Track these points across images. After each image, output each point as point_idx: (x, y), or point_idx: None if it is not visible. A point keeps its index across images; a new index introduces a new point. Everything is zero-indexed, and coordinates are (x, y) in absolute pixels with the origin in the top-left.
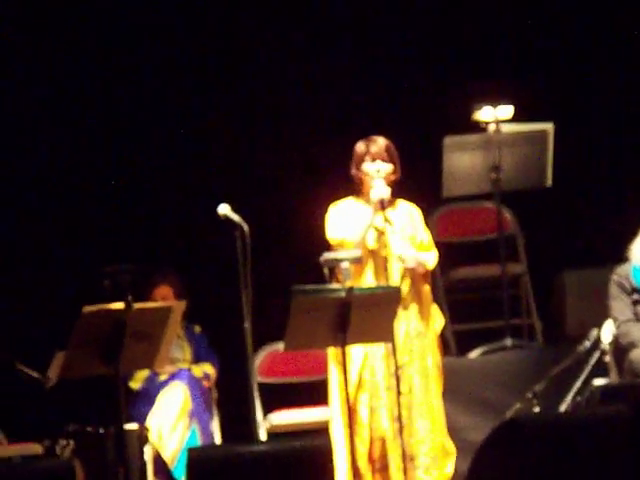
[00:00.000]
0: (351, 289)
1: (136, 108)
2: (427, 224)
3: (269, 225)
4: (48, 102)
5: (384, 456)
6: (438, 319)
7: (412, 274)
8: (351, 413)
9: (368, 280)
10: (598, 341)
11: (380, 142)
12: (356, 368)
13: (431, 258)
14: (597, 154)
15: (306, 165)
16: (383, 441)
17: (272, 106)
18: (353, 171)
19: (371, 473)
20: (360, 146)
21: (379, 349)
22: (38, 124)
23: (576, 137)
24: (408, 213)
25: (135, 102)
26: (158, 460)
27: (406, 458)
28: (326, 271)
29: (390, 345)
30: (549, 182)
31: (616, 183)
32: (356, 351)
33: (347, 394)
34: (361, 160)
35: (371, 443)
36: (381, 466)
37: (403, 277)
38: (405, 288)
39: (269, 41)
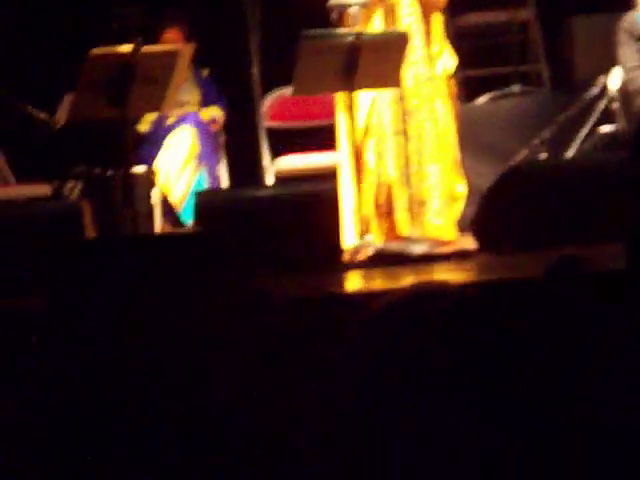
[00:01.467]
0: (359, 34)
1: None
2: None
3: None
4: None
5: (390, 201)
6: (449, 61)
7: (424, 14)
8: (358, 158)
9: (376, 25)
10: (606, 87)
11: None
12: (363, 113)
13: None
14: None
15: None
16: (389, 186)
17: None
18: None
19: (377, 218)
20: None
21: (387, 94)
22: None
23: None
24: None
25: None
26: (165, 203)
27: (416, 203)
28: (334, 16)
29: (399, 90)
30: None
31: None
32: (364, 96)
33: (354, 139)
34: None
35: (378, 188)
36: (387, 211)
37: (414, 19)
38: (414, 30)
39: None
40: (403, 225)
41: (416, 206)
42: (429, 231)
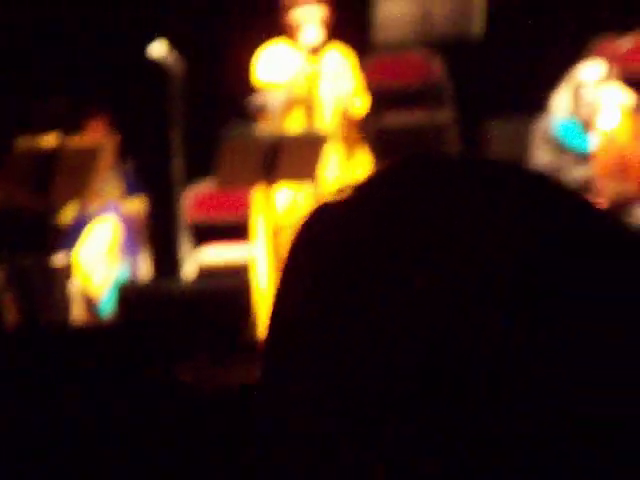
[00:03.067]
0: (278, 134)
1: None
2: (359, 70)
3: (201, 63)
4: None
5: None
6: (365, 163)
7: (340, 119)
8: (275, 252)
9: (297, 124)
10: None
11: None
12: (280, 210)
13: (361, 103)
14: (528, 2)
15: (237, 7)
16: None
17: None
18: (284, 15)
19: None
20: None
21: (305, 191)
22: None
23: None
24: (339, 58)
25: None
26: (85, 293)
27: None
28: (254, 111)
29: (316, 187)
30: (479, 31)
31: (544, 33)
32: (282, 193)
33: (270, 234)
34: (291, 4)
35: None
36: None
37: (331, 122)
38: (332, 133)
39: None
40: None
41: None
42: None
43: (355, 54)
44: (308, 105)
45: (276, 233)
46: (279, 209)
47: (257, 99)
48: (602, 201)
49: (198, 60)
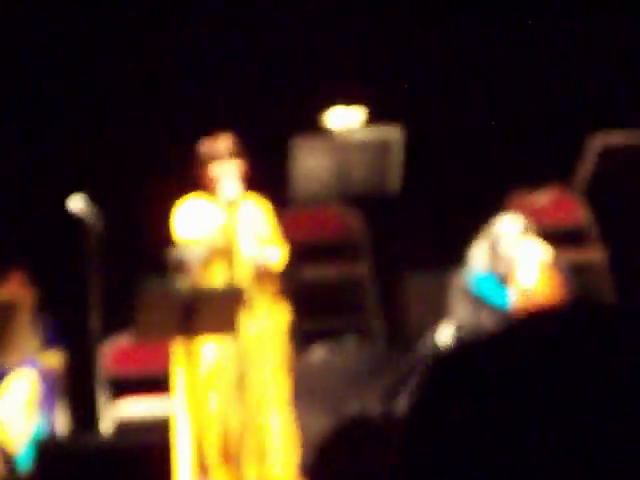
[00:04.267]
0: (195, 288)
1: None
2: (276, 222)
3: (119, 217)
4: None
5: (236, 450)
6: (285, 316)
7: (259, 272)
8: (199, 408)
9: (217, 277)
10: (436, 343)
11: (226, 139)
12: (207, 363)
13: (278, 254)
14: (444, 157)
15: (155, 160)
16: (234, 435)
17: (120, 98)
18: (200, 171)
19: (221, 467)
20: (205, 145)
21: (229, 346)
22: None
23: (423, 140)
24: (257, 208)
25: None
26: (2, 448)
27: (258, 452)
28: (173, 267)
29: (239, 341)
30: (396, 186)
31: (460, 187)
32: (207, 347)
33: (193, 388)
34: (208, 160)
35: (223, 437)
36: (232, 460)
37: (250, 275)
38: (252, 285)
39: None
40: (247, 473)
41: (258, 455)
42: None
43: (272, 206)
44: (227, 257)
45: (197, 387)
46: (202, 363)
47: (176, 253)
48: None
49: (117, 214)
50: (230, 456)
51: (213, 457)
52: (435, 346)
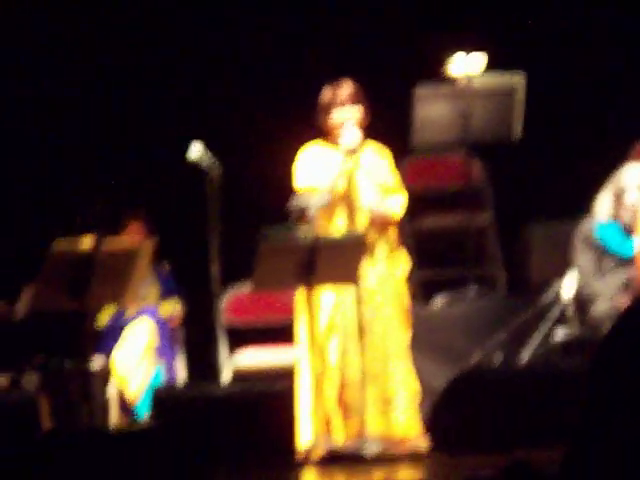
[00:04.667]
0: (317, 236)
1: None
2: (396, 170)
3: (240, 166)
4: None
5: (354, 402)
6: (404, 264)
7: (379, 221)
8: (320, 356)
9: (337, 224)
10: (560, 293)
11: (347, 86)
12: (327, 312)
13: (398, 203)
14: (567, 106)
15: (276, 108)
16: (354, 385)
17: (241, 48)
18: (322, 117)
19: (339, 417)
20: (327, 92)
21: (350, 293)
22: None
23: (546, 88)
24: (377, 156)
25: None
26: (122, 396)
27: (381, 401)
28: (294, 216)
29: (359, 290)
30: (518, 134)
31: (584, 137)
32: (327, 295)
33: (315, 337)
34: (330, 106)
35: (342, 387)
36: (351, 410)
37: (370, 223)
38: (372, 234)
39: None
40: (366, 423)
41: (382, 404)
42: (395, 429)
43: (393, 154)
44: (348, 205)
45: (318, 336)
46: (324, 311)
47: (297, 200)
48: None
49: (237, 162)
50: (350, 405)
51: (333, 406)
52: (558, 296)
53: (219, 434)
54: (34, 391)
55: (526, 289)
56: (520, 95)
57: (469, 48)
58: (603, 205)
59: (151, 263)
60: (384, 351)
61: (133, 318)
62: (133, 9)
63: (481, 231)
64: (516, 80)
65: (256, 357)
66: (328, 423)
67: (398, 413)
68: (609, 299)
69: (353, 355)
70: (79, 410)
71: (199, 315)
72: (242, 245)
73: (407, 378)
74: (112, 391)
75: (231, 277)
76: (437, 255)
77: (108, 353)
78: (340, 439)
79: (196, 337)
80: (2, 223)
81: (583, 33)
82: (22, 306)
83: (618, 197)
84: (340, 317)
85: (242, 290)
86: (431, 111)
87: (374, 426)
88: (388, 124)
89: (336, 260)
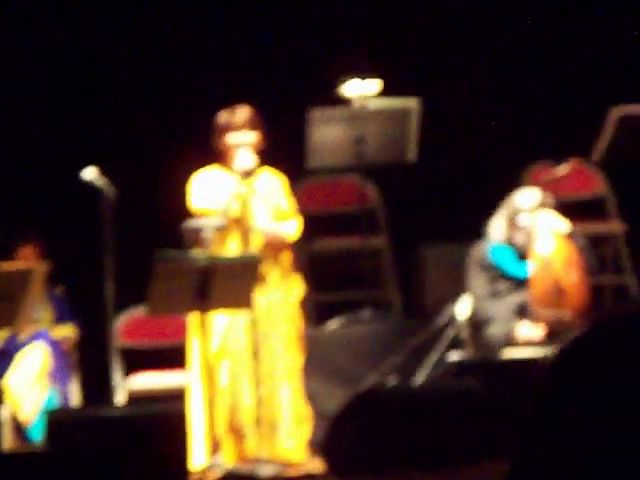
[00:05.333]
0: (212, 257)
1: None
2: (291, 194)
3: (133, 189)
4: None
5: (244, 424)
6: (298, 288)
7: (272, 244)
8: (211, 379)
9: (231, 248)
10: (455, 316)
11: (244, 111)
12: (218, 335)
13: (292, 228)
14: (460, 130)
15: (171, 132)
16: (243, 408)
17: (138, 71)
18: (217, 141)
19: (229, 440)
20: (223, 116)
21: (242, 317)
22: None
23: (441, 113)
24: (272, 181)
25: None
26: (15, 419)
27: (267, 424)
28: (188, 238)
29: (252, 313)
30: (413, 157)
31: (478, 160)
32: (219, 319)
33: (206, 360)
34: (225, 130)
35: (231, 410)
36: (240, 434)
37: (263, 246)
38: (265, 258)
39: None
40: (254, 447)
41: (267, 428)
42: (280, 453)
43: (289, 178)
44: (242, 229)
45: (209, 359)
46: (215, 334)
47: (192, 224)
48: (539, 327)
49: (131, 185)
50: (241, 428)
51: (224, 429)
52: (453, 318)
53: (113, 456)
54: None
55: (421, 311)
56: (414, 118)
57: (364, 73)
58: (497, 228)
59: (44, 286)
60: (273, 375)
61: (26, 342)
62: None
63: (376, 253)
64: (410, 103)
65: (150, 380)
66: (220, 445)
67: (284, 438)
68: (503, 322)
69: (243, 378)
70: None
71: (93, 338)
72: (138, 267)
73: (296, 402)
74: (5, 414)
75: (126, 299)
76: (332, 278)
77: (1, 375)
78: (232, 462)
79: (90, 360)
80: None
81: (479, 60)
82: None
83: (512, 220)
84: (232, 340)
85: (137, 312)
86: (326, 134)
87: (265, 449)
88: (284, 147)
89: (230, 283)
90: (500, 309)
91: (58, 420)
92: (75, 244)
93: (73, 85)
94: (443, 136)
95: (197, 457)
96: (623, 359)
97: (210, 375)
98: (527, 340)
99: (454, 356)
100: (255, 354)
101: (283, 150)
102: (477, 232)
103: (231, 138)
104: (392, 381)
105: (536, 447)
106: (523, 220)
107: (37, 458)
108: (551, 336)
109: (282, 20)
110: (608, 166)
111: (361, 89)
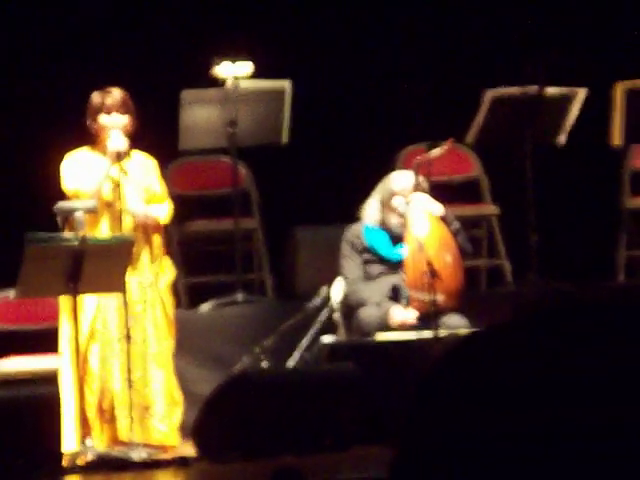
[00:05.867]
0: (84, 239)
1: None
2: (163, 176)
3: (4, 170)
4: None
5: (114, 407)
6: (169, 271)
7: (144, 227)
8: (81, 363)
9: (103, 231)
10: (328, 298)
11: (116, 94)
12: (88, 318)
13: (164, 211)
14: (333, 112)
15: (42, 113)
16: (113, 392)
17: (12, 51)
18: (89, 122)
19: (99, 424)
20: (96, 97)
21: (112, 300)
22: None
23: (315, 94)
24: (143, 164)
25: None
26: None
27: (139, 407)
28: (60, 220)
29: (123, 296)
30: (285, 139)
31: (352, 143)
32: (88, 301)
33: (77, 344)
34: (97, 112)
35: (101, 394)
36: (110, 417)
37: (135, 229)
38: (137, 240)
39: None
40: (126, 430)
41: (140, 411)
42: (152, 436)
43: (161, 159)
44: (114, 211)
45: (80, 342)
46: (86, 317)
47: (64, 206)
48: (413, 310)
49: (1, 167)
50: (111, 412)
51: (94, 413)
52: (326, 301)
53: None
54: None
55: (294, 294)
56: (287, 100)
57: (237, 55)
58: (371, 210)
59: None
60: (145, 358)
61: None
62: None
63: (248, 236)
64: (283, 85)
65: (21, 363)
66: (90, 429)
67: (156, 421)
68: (376, 305)
69: (114, 362)
70: None
71: None
72: (6, 250)
73: (167, 386)
74: None
75: None
76: (205, 260)
77: None
78: (103, 445)
79: None
80: None
81: (356, 39)
82: None
83: (386, 203)
84: (101, 324)
85: (7, 295)
86: (198, 115)
87: (137, 433)
88: (157, 129)
89: (102, 266)
90: (374, 292)
91: None
92: None
93: None
94: (316, 118)
95: (69, 441)
96: (509, 361)
97: (81, 359)
98: (401, 323)
99: (328, 339)
100: (127, 337)
101: (155, 132)
102: (351, 215)
103: (103, 120)
104: (265, 364)
105: (422, 433)
106: (397, 203)
107: None
108: (424, 319)
109: (155, 2)
110: (482, 148)
111: (233, 71)
